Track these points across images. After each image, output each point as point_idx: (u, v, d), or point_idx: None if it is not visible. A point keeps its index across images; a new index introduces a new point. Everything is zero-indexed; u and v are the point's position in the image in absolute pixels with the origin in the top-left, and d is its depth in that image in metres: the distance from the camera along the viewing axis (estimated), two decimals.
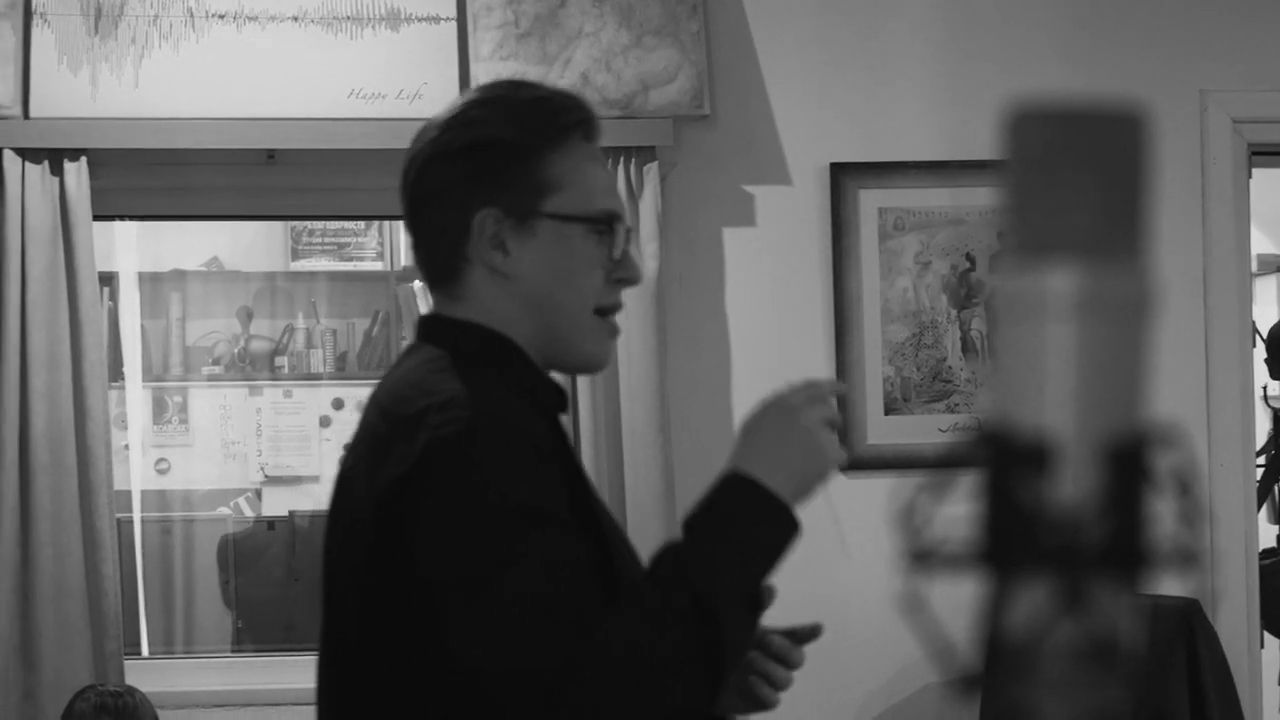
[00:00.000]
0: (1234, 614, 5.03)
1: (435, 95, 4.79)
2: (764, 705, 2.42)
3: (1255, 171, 5.23)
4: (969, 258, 5.00)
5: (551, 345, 2.31)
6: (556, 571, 2.07)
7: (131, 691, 4.34)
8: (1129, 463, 0.91)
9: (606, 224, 2.31)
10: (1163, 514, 0.93)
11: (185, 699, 4.91)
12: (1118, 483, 0.91)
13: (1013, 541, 0.91)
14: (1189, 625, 4.63)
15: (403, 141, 4.72)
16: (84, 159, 4.70)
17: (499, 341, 2.28)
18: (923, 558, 0.93)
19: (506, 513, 2.08)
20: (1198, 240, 5.06)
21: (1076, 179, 0.93)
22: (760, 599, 2.22)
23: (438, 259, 2.31)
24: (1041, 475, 0.91)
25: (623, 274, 2.34)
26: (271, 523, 6.58)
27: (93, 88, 4.70)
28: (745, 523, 2.16)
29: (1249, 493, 5.15)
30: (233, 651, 6.38)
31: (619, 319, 2.38)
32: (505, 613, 2.04)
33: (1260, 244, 7.71)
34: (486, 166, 2.28)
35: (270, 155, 4.96)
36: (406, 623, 2.13)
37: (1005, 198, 0.96)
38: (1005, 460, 0.92)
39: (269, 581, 6.45)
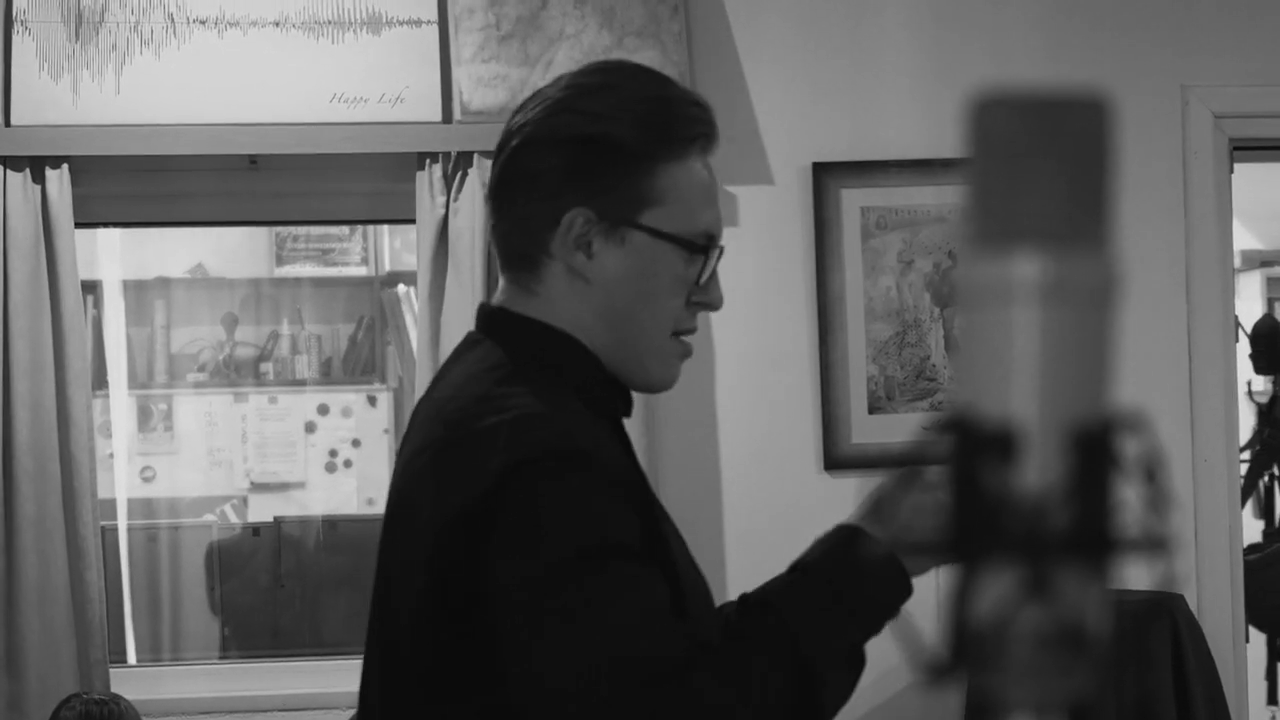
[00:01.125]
0: (1218, 609, 5.03)
1: (417, 99, 4.79)
2: None
3: (1237, 166, 5.23)
4: (952, 255, 5.01)
5: (620, 358, 2.20)
6: (637, 608, 1.99)
7: (116, 699, 4.33)
8: (1095, 449, 0.91)
9: (702, 248, 2.20)
10: (1129, 501, 0.93)
11: (172, 706, 4.91)
12: (1083, 469, 0.91)
13: (978, 529, 0.91)
14: (1173, 619, 4.63)
15: (385, 145, 4.78)
16: (66, 166, 4.69)
17: (570, 345, 2.19)
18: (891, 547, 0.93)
19: (584, 548, 2.00)
20: (1180, 236, 5.06)
21: (1041, 166, 0.93)
22: (862, 658, 2.09)
23: (516, 244, 2.20)
24: (1007, 462, 0.91)
25: (704, 298, 2.23)
26: (257, 529, 6.58)
27: (74, 95, 4.70)
28: (858, 580, 1.98)
29: (1233, 488, 5.15)
30: (219, 659, 6.37)
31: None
32: (584, 653, 1.97)
33: (1244, 240, 7.73)
34: (592, 164, 2.16)
35: (253, 161, 4.95)
36: (465, 651, 2.05)
37: (969, 185, 0.96)
38: (971, 448, 0.92)
39: (255, 588, 6.45)
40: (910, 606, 0.89)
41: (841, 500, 4.92)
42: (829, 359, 4.95)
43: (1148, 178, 5.02)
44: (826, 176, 4.96)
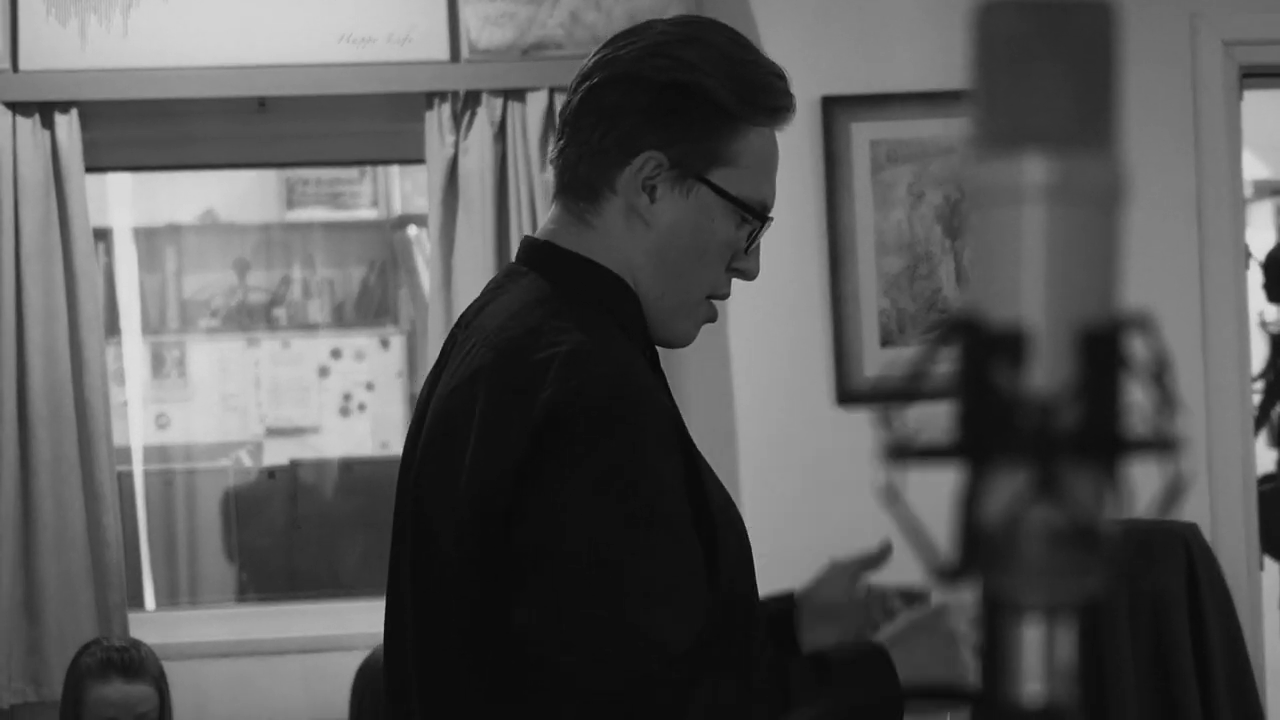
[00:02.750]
0: (1233, 538, 5.04)
1: (424, 38, 4.78)
2: None
3: (1247, 94, 5.21)
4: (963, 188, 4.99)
5: (655, 307, 2.22)
6: (664, 583, 2.01)
7: (137, 645, 4.35)
8: (1103, 350, 0.91)
9: (757, 216, 2.22)
10: (1138, 401, 0.93)
11: (190, 650, 4.92)
12: (1092, 370, 0.91)
13: (988, 430, 0.91)
14: (1188, 549, 4.64)
15: (393, 85, 4.77)
16: (75, 111, 4.69)
17: (619, 285, 2.20)
18: (899, 449, 0.93)
19: (627, 511, 2.01)
20: (1190, 165, 5.05)
21: (1047, 67, 0.93)
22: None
23: (584, 173, 2.21)
24: (1016, 363, 0.91)
25: (743, 266, 2.26)
26: (272, 472, 6.60)
27: (81, 39, 4.69)
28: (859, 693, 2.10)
29: (1245, 418, 5.15)
30: (237, 602, 6.40)
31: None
32: (600, 615, 1.99)
33: (1256, 169, 7.71)
34: (678, 112, 2.17)
35: (261, 103, 4.94)
36: (503, 587, 2.05)
37: (974, 87, 0.95)
38: (979, 348, 0.92)
39: (271, 531, 6.47)
40: (922, 511, 0.90)
41: (855, 433, 4.93)
42: (840, 293, 4.95)
43: (1156, 106, 5.01)
44: (836, 110, 4.95)
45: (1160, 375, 0.92)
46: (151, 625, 5.01)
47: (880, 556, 2.39)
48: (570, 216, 2.23)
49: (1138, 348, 0.92)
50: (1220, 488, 5.04)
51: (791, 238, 4.94)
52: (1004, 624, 0.92)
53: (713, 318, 2.28)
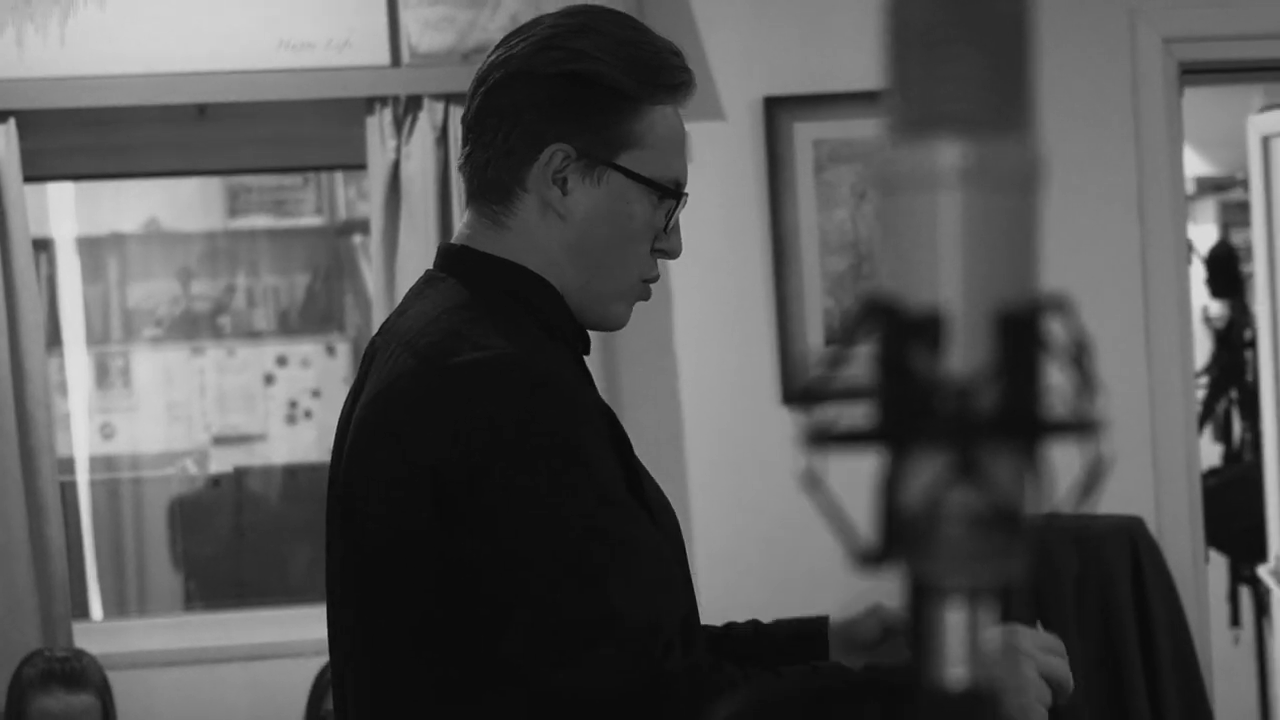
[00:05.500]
0: (1178, 532, 5.06)
1: (364, 43, 4.77)
2: None
3: (1189, 91, 5.23)
4: None
5: (582, 297, 2.22)
6: (638, 552, 2.01)
7: (79, 655, 4.33)
8: (1021, 332, 0.91)
9: (672, 193, 2.22)
10: (1057, 384, 0.93)
11: (137, 660, 4.90)
12: (1010, 352, 0.91)
13: (907, 413, 0.91)
14: (1133, 543, 4.66)
15: (334, 91, 4.75)
16: (13, 120, 4.67)
17: (538, 283, 2.20)
18: (820, 435, 0.93)
19: (578, 505, 2.00)
20: (1131, 161, 5.06)
21: (959, 50, 0.93)
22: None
23: (493, 175, 2.20)
24: (933, 346, 0.91)
25: (666, 246, 2.24)
26: (217, 480, 6.57)
27: (18, 48, 4.67)
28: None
29: (1189, 412, 5.17)
30: (184, 610, 6.37)
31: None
32: (574, 611, 1.97)
33: (1197, 166, 7.74)
34: (578, 101, 2.17)
35: (201, 110, 4.92)
36: (448, 605, 2.04)
37: (887, 72, 0.95)
38: (897, 332, 0.92)
39: (217, 540, 6.44)
40: (843, 494, 0.90)
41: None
42: (785, 293, 4.95)
43: (1097, 103, 5.03)
44: (778, 110, 4.96)
45: (1079, 358, 0.92)
46: (98, 635, 4.99)
47: None
48: (485, 220, 2.22)
49: (1056, 330, 0.92)
50: (1165, 481, 5.06)
51: (736, 238, 4.94)
52: (927, 608, 0.92)
53: (645, 297, 2.26)
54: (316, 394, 6.92)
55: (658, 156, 2.20)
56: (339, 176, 6.89)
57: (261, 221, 7.02)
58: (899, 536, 0.91)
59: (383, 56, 4.79)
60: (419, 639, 2.08)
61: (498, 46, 2.24)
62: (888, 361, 0.92)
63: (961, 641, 0.92)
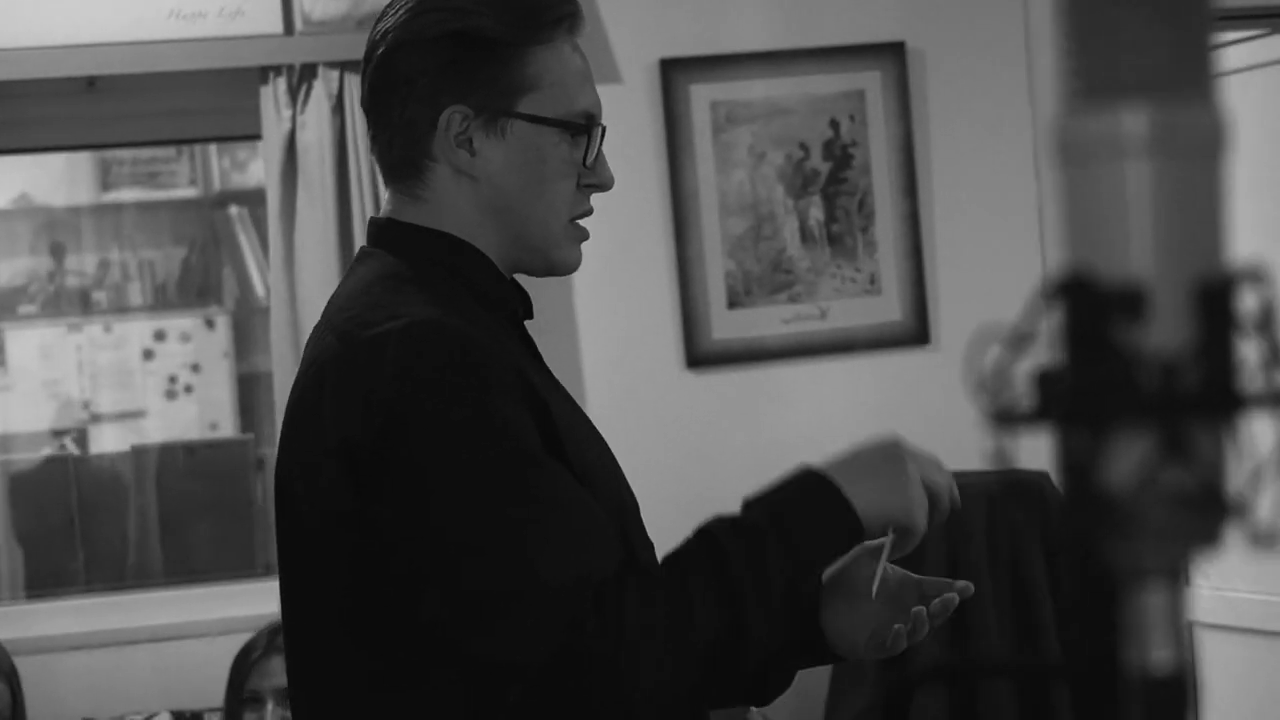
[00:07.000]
0: None
1: (257, 11, 4.68)
2: (887, 650, 2.23)
3: None
4: (803, 146, 4.99)
5: (518, 251, 2.19)
6: (560, 508, 1.97)
7: None
8: (1220, 304, 0.89)
9: (583, 128, 2.19)
10: (1250, 356, 0.91)
11: (41, 644, 4.79)
12: (1208, 325, 0.89)
13: (1110, 391, 0.88)
14: (1042, 498, 4.67)
15: (226, 61, 4.66)
16: None
17: (461, 248, 2.17)
18: (1006, 416, 0.90)
19: (498, 462, 1.96)
20: None
21: (1141, 16, 0.90)
22: (799, 595, 2.12)
23: (399, 153, 2.18)
24: (1133, 321, 0.88)
25: (594, 179, 2.21)
26: (100, 459, 6.46)
27: None
28: (805, 515, 2.00)
29: None
30: (83, 593, 6.25)
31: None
32: (509, 570, 1.92)
33: None
34: (462, 59, 2.14)
35: (91, 82, 4.81)
36: (377, 586, 2.01)
37: (1067, 39, 0.92)
38: (1094, 309, 0.89)
39: (111, 520, 6.33)
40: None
41: (705, 397, 4.92)
42: (686, 255, 4.93)
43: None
44: (674, 72, 4.92)
45: (1269, 328, 0.90)
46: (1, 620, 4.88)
47: (964, 591, 2.24)
48: (404, 197, 2.21)
49: (1250, 300, 0.90)
50: None
51: (635, 201, 4.90)
52: (1126, 590, 0.90)
53: (584, 238, 2.23)
54: (196, 368, 6.82)
55: (559, 94, 2.17)
56: (213, 148, 6.78)
57: (134, 194, 6.89)
58: (1098, 517, 0.89)
59: (276, 25, 4.70)
60: (347, 619, 2.05)
61: (377, 21, 2.22)
62: (1085, 338, 0.89)
63: (1165, 624, 0.90)
